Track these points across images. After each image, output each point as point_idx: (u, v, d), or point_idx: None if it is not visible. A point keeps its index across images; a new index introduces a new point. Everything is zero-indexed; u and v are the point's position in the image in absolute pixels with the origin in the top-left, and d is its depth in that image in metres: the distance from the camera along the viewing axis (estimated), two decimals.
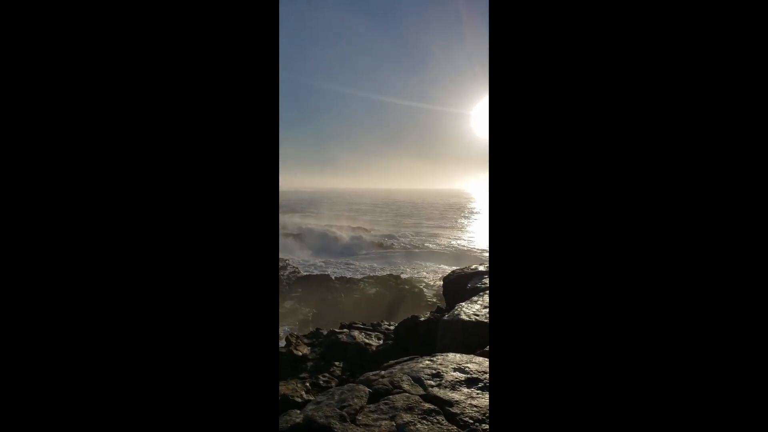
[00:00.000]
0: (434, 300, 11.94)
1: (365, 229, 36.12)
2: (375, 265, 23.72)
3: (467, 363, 2.38)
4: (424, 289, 14.03)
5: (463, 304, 3.64)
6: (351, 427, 1.82)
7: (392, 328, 5.69)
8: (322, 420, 1.85)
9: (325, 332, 5.63)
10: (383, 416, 1.87)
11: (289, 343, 4.89)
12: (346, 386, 2.20)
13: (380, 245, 30.31)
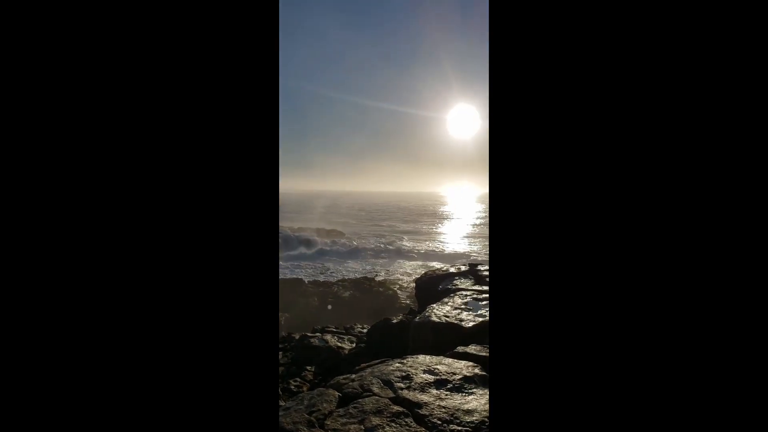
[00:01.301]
0: (408, 302, 11.98)
1: (341, 233, 35.92)
2: (349, 268, 23.60)
3: (437, 365, 2.40)
4: (398, 291, 14.06)
5: (434, 305, 3.67)
6: None
7: (365, 331, 5.67)
8: (290, 426, 1.82)
9: (297, 336, 5.55)
10: (352, 420, 1.86)
11: None
12: (315, 391, 2.18)
13: (356, 248, 30.22)
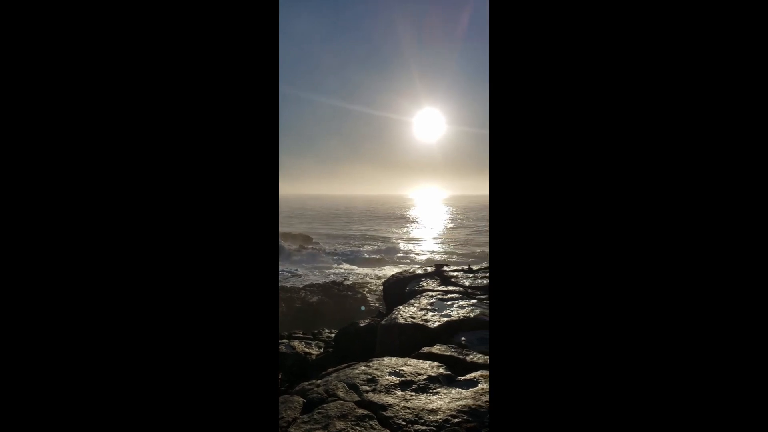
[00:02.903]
0: (377, 305, 11.99)
1: (309, 237, 35.46)
2: (318, 272, 23.33)
3: (402, 366, 2.41)
4: (367, 295, 14.05)
5: (401, 307, 3.69)
6: None
7: (333, 335, 5.62)
8: None
9: None
10: (316, 426, 1.83)
11: None
12: (279, 398, 2.13)
13: (325, 252, 29.91)
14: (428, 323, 3.27)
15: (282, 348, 5.02)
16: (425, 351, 2.74)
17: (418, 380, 2.24)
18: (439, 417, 1.88)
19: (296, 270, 23.70)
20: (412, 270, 5.57)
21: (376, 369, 2.38)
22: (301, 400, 2.08)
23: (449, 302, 3.80)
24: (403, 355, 2.69)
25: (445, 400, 2.03)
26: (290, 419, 1.90)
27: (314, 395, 2.11)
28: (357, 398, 2.06)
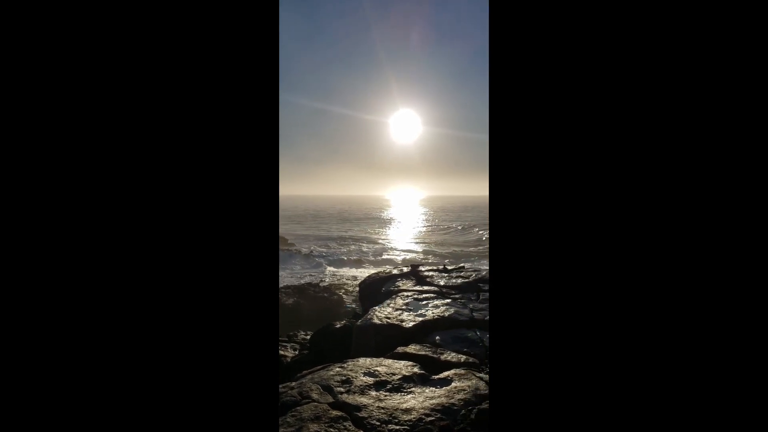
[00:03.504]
0: (353, 306, 11.94)
1: (285, 238, 34.96)
2: (294, 274, 23.03)
3: (377, 366, 2.42)
4: (344, 296, 13.96)
5: (377, 308, 3.70)
6: None
7: (308, 337, 5.57)
8: None
9: None
10: (289, 429, 1.81)
11: None
12: None
13: (300, 253, 29.57)
14: (403, 323, 3.29)
15: None
16: (400, 351, 2.76)
17: (393, 380, 2.24)
18: (412, 416, 1.90)
19: None
20: (388, 270, 5.59)
21: (350, 370, 2.37)
22: None
23: (424, 302, 3.83)
24: (378, 356, 2.70)
25: (419, 400, 2.05)
26: None
27: (288, 398, 2.09)
28: (331, 400, 2.05)
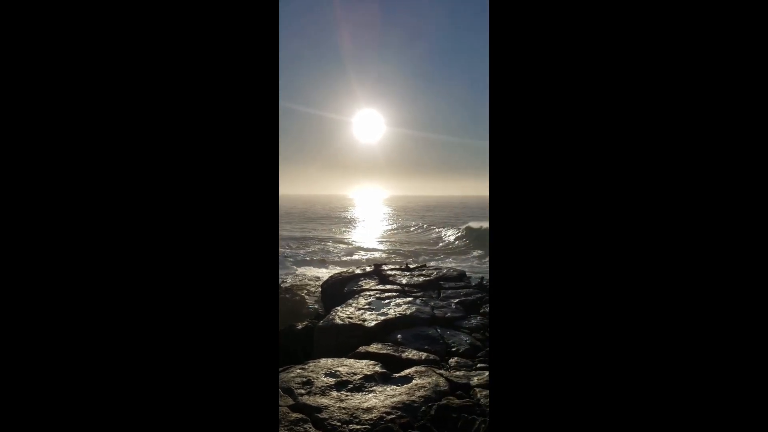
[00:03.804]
0: (315, 306, 11.80)
1: None
2: None
3: (338, 367, 2.41)
4: (306, 297, 13.75)
5: (339, 308, 3.68)
6: None
7: None
8: None
9: None
10: None
11: None
12: None
13: None
14: (366, 323, 3.29)
15: None
16: (362, 350, 2.76)
17: (354, 380, 2.24)
18: (373, 415, 1.91)
19: None
20: (351, 270, 5.58)
21: (311, 371, 2.35)
22: None
23: (387, 301, 3.86)
24: (340, 356, 2.69)
25: (380, 398, 2.06)
26: None
27: None
28: (291, 402, 2.02)
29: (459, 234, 24.74)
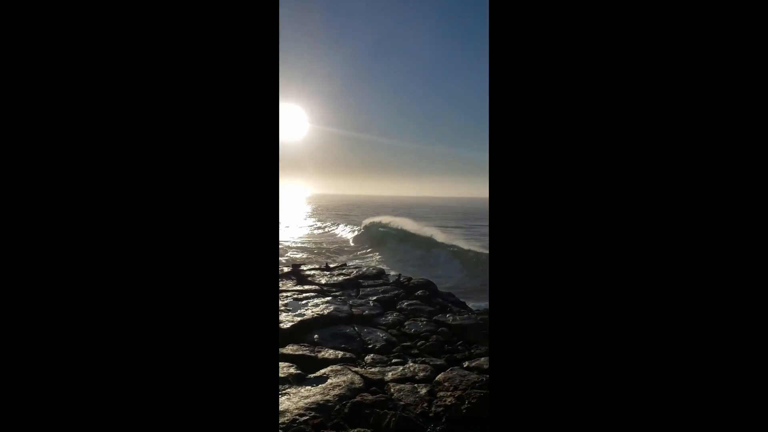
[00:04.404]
0: None
1: None
2: None
3: None
4: None
5: None
6: None
7: None
8: None
9: None
10: None
11: None
12: None
13: None
14: (281, 324, 3.21)
15: None
16: None
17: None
18: (286, 418, 1.87)
19: None
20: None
21: None
22: None
23: (304, 301, 3.80)
24: None
25: (293, 400, 2.03)
26: None
27: None
28: None
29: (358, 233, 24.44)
